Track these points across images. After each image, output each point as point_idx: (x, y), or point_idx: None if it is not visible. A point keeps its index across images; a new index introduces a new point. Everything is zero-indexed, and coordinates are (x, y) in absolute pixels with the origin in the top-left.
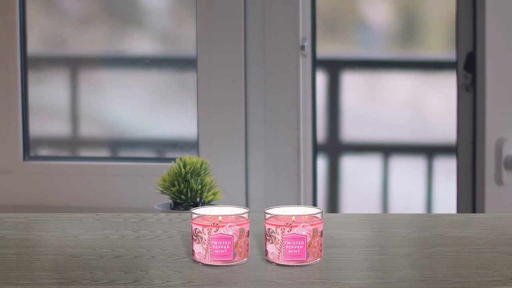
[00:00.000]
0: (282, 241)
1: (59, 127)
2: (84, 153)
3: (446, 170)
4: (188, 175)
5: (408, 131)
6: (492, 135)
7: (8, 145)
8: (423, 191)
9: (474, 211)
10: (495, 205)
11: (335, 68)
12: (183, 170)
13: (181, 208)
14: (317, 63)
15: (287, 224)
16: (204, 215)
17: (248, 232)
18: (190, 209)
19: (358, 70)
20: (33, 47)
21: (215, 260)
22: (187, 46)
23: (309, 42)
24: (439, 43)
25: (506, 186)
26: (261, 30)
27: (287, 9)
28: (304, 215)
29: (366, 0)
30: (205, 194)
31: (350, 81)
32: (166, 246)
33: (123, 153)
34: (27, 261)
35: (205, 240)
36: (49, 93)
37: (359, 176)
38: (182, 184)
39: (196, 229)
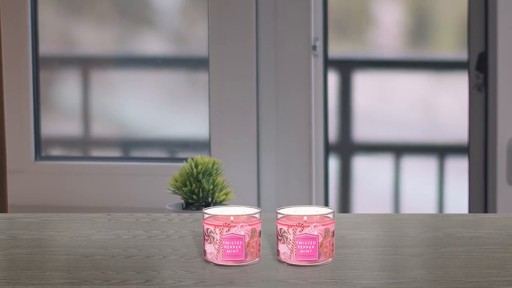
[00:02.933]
0: (294, 241)
1: (70, 127)
2: (96, 153)
3: (458, 170)
4: (200, 175)
5: (420, 131)
6: (504, 135)
7: (20, 145)
8: (434, 191)
9: (485, 211)
10: (506, 205)
11: (346, 68)
12: (194, 170)
13: (193, 208)
14: (328, 63)
15: (298, 224)
16: (216, 215)
17: (259, 232)
18: (201, 209)
19: (370, 70)
20: (44, 47)
21: (227, 260)
22: (198, 46)
23: (321, 42)
24: (451, 43)
25: None
26: (273, 30)
27: (299, 9)
28: (316, 215)
29: (378, 1)
30: (216, 194)
31: (362, 81)
32: (178, 246)
33: (135, 153)
34: (38, 261)
35: (216, 240)
36: (60, 93)
37: (371, 176)
38: (194, 184)
39: (207, 229)
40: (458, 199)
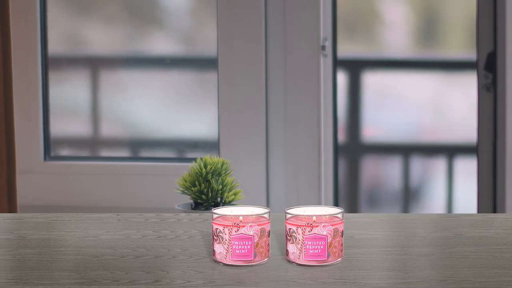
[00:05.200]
0: (303, 241)
1: (79, 127)
2: (105, 153)
3: (467, 170)
4: (209, 175)
5: (429, 131)
6: None
7: (29, 146)
8: (443, 191)
9: (494, 211)
10: None
11: (355, 68)
12: (203, 170)
13: (202, 208)
14: (337, 63)
15: (308, 224)
16: (225, 215)
17: (269, 232)
18: (211, 209)
19: (379, 70)
20: (53, 47)
21: (236, 260)
22: (207, 46)
23: (330, 42)
24: (460, 43)
25: None
26: (282, 30)
27: (308, 9)
28: (325, 215)
29: (387, 1)
30: (226, 194)
31: (371, 81)
32: (187, 246)
33: (144, 153)
34: (48, 261)
35: (226, 240)
36: (69, 93)
37: (380, 176)
38: (203, 184)
39: (217, 229)
40: (467, 199)
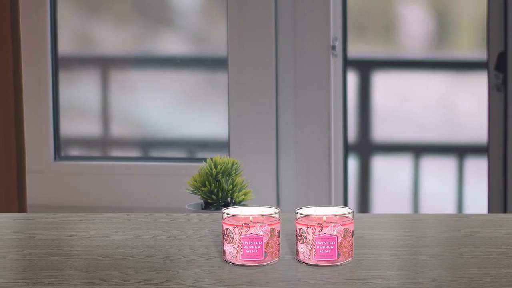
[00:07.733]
0: (313, 241)
1: (89, 127)
2: (115, 153)
3: (477, 170)
4: (219, 175)
5: (439, 131)
6: None
7: (39, 146)
8: (454, 191)
9: (505, 211)
10: None
11: (366, 68)
12: (214, 170)
13: (212, 208)
14: (348, 63)
15: (318, 224)
16: (235, 215)
17: (279, 232)
18: (221, 209)
19: (389, 70)
20: (64, 47)
21: (246, 260)
22: (218, 46)
23: (340, 42)
24: (470, 44)
25: None
26: (292, 30)
27: (318, 9)
28: (335, 215)
29: (397, 1)
30: (236, 194)
31: (381, 81)
32: (197, 246)
33: (154, 153)
34: (58, 261)
35: (236, 240)
36: (80, 93)
37: (390, 176)
38: (213, 184)
39: (227, 229)
40: (477, 199)
